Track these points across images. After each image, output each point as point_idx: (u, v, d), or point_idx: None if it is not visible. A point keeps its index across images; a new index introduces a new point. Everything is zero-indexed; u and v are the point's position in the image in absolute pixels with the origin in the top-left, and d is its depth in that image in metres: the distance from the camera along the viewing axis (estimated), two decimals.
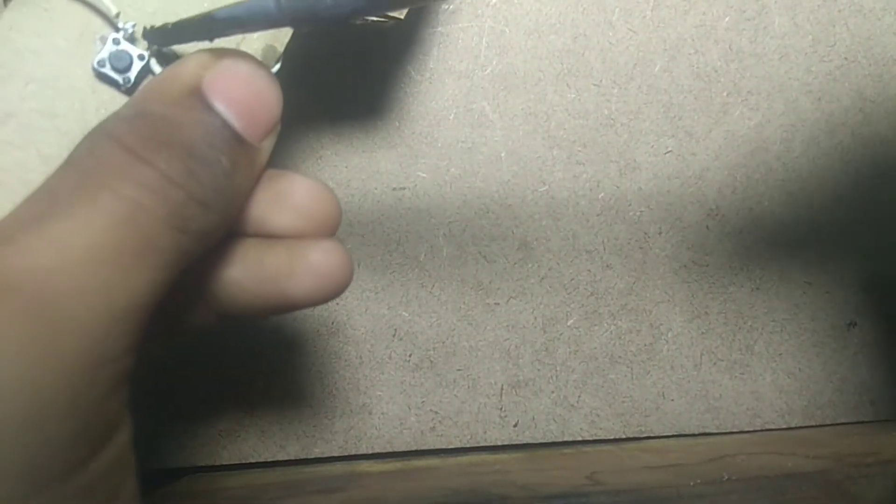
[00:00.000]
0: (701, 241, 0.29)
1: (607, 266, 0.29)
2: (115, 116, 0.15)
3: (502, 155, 0.29)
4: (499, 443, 0.28)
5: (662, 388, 0.29)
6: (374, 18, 0.20)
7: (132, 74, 0.17)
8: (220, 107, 0.15)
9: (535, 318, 0.29)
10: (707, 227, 0.29)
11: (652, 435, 0.29)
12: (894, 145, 0.30)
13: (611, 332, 0.29)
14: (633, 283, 0.29)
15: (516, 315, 0.28)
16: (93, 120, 0.17)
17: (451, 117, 0.28)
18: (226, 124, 0.15)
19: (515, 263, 0.28)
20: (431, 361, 0.28)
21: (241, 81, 0.16)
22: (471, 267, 0.28)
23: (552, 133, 0.29)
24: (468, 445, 0.28)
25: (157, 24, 0.17)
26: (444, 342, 0.28)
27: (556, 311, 0.29)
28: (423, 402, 0.28)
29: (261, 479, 0.27)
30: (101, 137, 0.14)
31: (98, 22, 0.17)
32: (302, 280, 0.17)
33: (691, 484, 0.25)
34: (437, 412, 0.28)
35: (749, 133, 0.30)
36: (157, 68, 0.17)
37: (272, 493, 0.26)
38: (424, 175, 0.28)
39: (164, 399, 0.27)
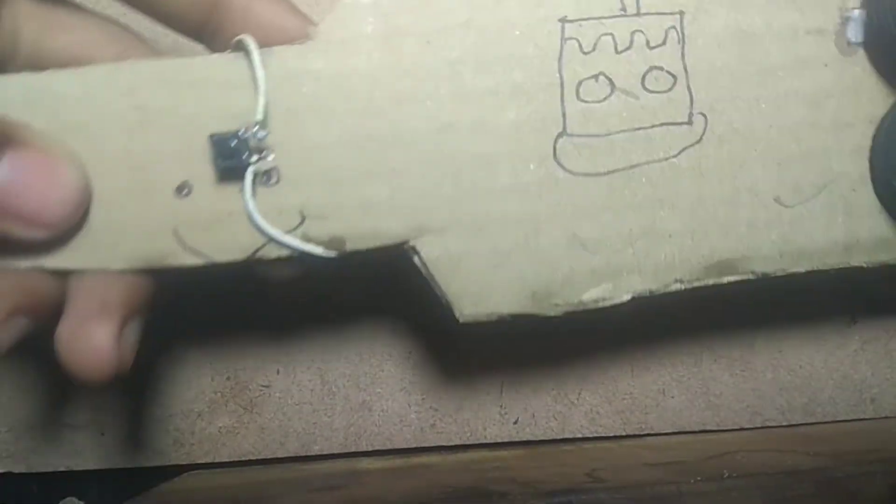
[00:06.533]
0: None
1: None
2: None
3: None
4: (499, 440, 0.28)
5: (663, 385, 0.29)
6: None
7: None
8: None
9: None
10: None
11: (652, 432, 0.29)
12: None
13: (612, 329, 0.29)
14: None
15: None
16: None
17: None
18: None
19: None
20: (431, 358, 0.28)
21: None
22: None
23: None
24: (468, 442, 0.28)
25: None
26: (444, 339, 0.28)
27: None
28: (423, 399, 0.28)
29: (260, 476, 0.27)
30: None
31: None
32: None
33: (691, 481, 0.25)
34: (437, 409, 0.28)
35: None
36: None
37: (272, 490, 0.26)
38: None
39: (162, 397, 0.27)
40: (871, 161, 0.21)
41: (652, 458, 0.28)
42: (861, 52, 0.21)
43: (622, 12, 0.20)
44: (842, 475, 0.25)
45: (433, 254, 0.20)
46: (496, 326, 0.28)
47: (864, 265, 0.22)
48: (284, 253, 0.19)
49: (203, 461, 0.27)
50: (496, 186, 0.20)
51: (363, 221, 0.19)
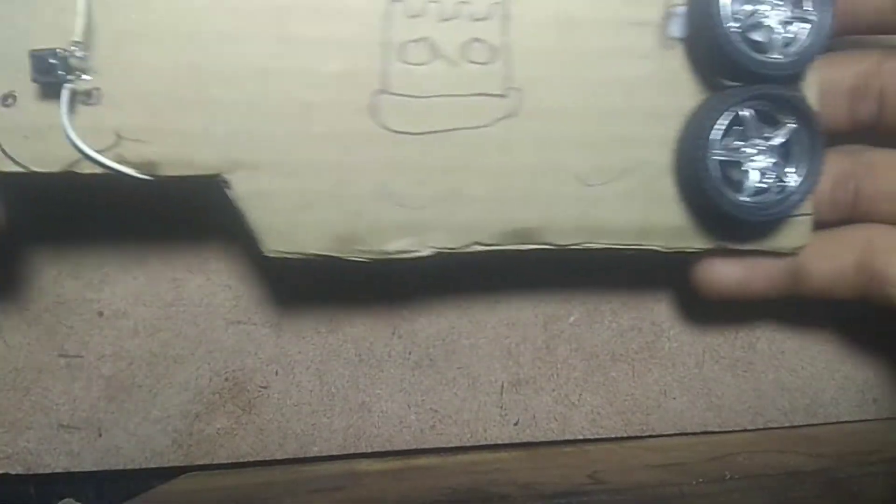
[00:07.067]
0: None
1: (609, 262, 0.29)
2: None
3: None
4: (499, 441, 0.28)
5: (664, 386, 0.29)
6: None
7: None
8: None
9: (536, 316, 0.28)
10: None
11: (654, 433, 0.29)
12: None
13: (612, 330, 0.29)
14: (635, 280, 0.29)
15: (517, 312, 0.28)
16: None
17: None
18: None
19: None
20: (431, 359, 0.28)
21: None
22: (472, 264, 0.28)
23: None
24: (468, 444, 0.28)
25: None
26: (443, 340, 0.28)
27: (557, 309, 0.28)
28: (422, 400, 0.28)
29: (258, 478, 0.27)
30: None
31: None
32: None
33: (693, 482, 0.25)
34: (436, 410, 0.28)
35: None
36: None
37: (270, 492, 0.26)
38: None
39: (159, 397, 0.27)
40: (675, 153, 0.22)
41: (653, 460, 0.28)
42: (680, 48, 0.22)
43: None
44: (844, 476, 0.25)
45: (244, 189, 0.21)
46: (499, 323, 0.28)
47: (659, 249, 0.23)
48: (99, 170, 0.20)
49: (201, 462, 0.27)
50: (312, 133, 0.21)
51: (177, 149, 0.20)
